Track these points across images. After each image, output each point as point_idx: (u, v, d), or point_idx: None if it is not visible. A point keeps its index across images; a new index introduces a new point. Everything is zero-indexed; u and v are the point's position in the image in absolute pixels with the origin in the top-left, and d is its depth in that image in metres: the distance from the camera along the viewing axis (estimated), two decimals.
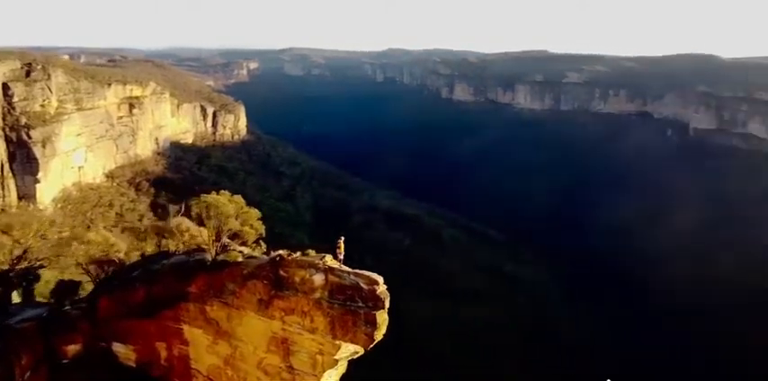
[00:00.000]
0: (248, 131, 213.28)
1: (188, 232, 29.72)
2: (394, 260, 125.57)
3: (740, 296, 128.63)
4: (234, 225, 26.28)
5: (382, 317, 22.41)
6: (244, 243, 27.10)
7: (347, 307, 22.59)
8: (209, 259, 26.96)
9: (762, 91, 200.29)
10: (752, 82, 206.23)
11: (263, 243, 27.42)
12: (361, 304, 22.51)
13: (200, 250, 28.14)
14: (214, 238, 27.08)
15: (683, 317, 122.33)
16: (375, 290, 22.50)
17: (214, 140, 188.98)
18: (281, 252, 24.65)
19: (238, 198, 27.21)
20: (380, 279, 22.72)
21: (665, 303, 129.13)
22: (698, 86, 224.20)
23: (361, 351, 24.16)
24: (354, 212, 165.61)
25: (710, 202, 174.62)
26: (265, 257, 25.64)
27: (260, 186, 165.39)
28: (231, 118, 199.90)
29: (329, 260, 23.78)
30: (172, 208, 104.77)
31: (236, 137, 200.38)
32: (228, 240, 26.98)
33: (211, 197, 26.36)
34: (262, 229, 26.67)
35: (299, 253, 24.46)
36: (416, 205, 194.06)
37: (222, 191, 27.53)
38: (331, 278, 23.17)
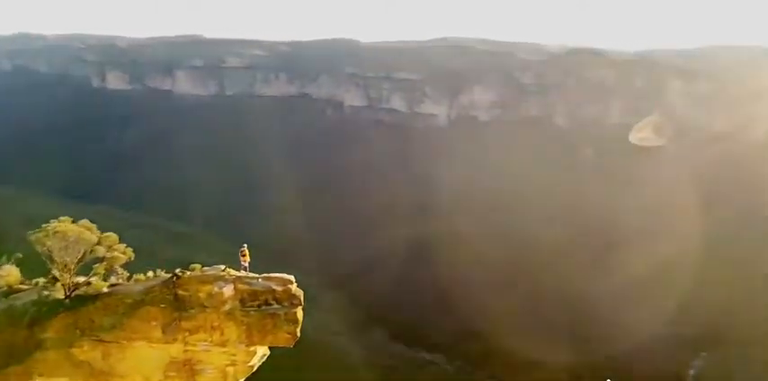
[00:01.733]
0: None
1: None
2: None
3: None
4: (101, 251, 23.71)
5: (300, 314, 23.55)
6: (111, 271, 24.56)
7: (264, 312, 23.10)
8: (63, 296, 23.83)
9: (399, 71, 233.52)
10: (390, 63, 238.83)
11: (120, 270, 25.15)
12: (277, 305, 23.26)
13: (44, 287, 24.49)
14: (63, 271, 23.96)
15: None
16: (290, 290, 23.52)
17: None
18: (176, 271, 23.41)
19: (86, 222, 24.46)
20: (292, 278, 23.75)
21: None
22: (346, 68, 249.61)
23: (268, 353, 24.90)
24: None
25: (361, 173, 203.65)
26: (152, 280, 23.92)
27: None
28: None
29: (231, 270, 23.71)
30: None
31: None
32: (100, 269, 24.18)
33: (63, 225, 23.27)
34: (131, 253, 24.56)
35: (193, 270, 23.67)
36: (85, 208, 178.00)
37: (62, 218, 24.32)
38: (240, 286, 23.32)
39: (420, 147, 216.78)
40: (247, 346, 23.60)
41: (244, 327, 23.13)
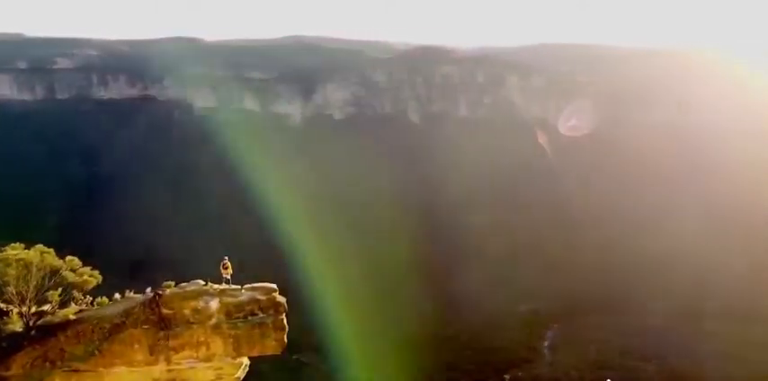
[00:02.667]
0: None
1: None
2: None
3: None
4: (71, 276, 22.06)
5: (285, 321, 23.72)
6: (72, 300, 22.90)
7: (251, 322, 23.03)
8: (22, 328, 21.90)
9: (250, 70, 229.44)
10: (239, 62, 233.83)
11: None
12: (263, 314, 23.25)
13: None
14: (18, 302, 22.06)
15: None
16: (274, 298, 23.64)
17: None
18: (157, 290, 22.44)
19: (42, 247, 22.66)
20: (275, 286, 23.85)
21: None
22: (193, 68, 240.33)
23: (248, 362, 24.72)
24: None
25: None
26: (128, 302, 22.68)
27: None
28: None
29: (212, 283, 23.34)
30: None
31: None
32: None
33: (23, 252, 21.40)
34: (99, 276, 23.09)
35: (171, 287, 22.88)
36: None
37: (14, 244, 22.30)
38: (225, 300, 23.03)
39: (276, 147, 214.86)
40: (234, 358, 23.39)
41: (231, 340, 22.92)
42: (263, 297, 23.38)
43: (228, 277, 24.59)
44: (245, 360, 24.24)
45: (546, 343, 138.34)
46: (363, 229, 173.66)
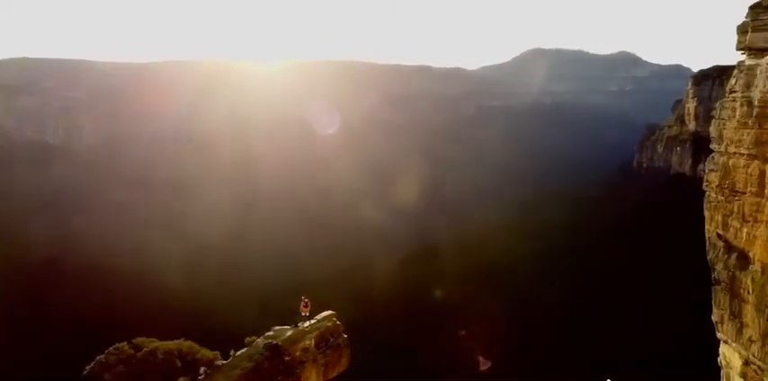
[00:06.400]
0: None
1: None
2: None
3: None
4: None
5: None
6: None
7: (331, 348, 25.23)
8: None
9: None
10: None
11: None
12: (333, 339, 25.74)
13: None
14: None
15: None
16: (335, 322, 26.19)
17: None
18: (268, 343, 22.55)
19: None
20: (333, 312, 26.03)
21: None
22: None
23: None
24: None
25: None
26: (239, 363, 21.62)
27: None
28: None
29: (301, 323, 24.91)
30: None
31: None
32: None
33: None
34: None
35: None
36: None
37: None
38: (317, 334, 24.53)
39: None
40: None
41: (322, 368, 24.80)
42: (330, 324, 25.49)
43: (308, 314, 25.97)
44: None
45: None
46: None
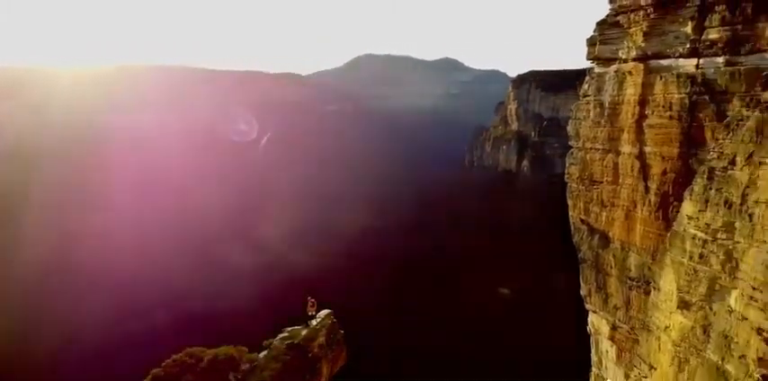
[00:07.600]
0: None
1: None
2: None
3: None
4: None
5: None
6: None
7: (336, 343, 26.32)
8: None
9: None
10: None
11: None
12: (334, 334, 26.95)
13: None
14: None
15: None
16: (333, 319, 27.35)
17: None
18: (290, 342, 24.10)
19: None
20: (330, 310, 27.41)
21: None
22: None
23: None
24: None
25: None
26: (268, 358, 23.05)
27: None
28: None
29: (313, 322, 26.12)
30: None
31: None
32: None
33: None
34: None
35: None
36: None
37: None
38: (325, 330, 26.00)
39: None
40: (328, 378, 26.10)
41: (330, 363, 26.03)
42: (333, 320, 26.95)
43: (314, 312, 26.47)
44: None
45: None
46: None
